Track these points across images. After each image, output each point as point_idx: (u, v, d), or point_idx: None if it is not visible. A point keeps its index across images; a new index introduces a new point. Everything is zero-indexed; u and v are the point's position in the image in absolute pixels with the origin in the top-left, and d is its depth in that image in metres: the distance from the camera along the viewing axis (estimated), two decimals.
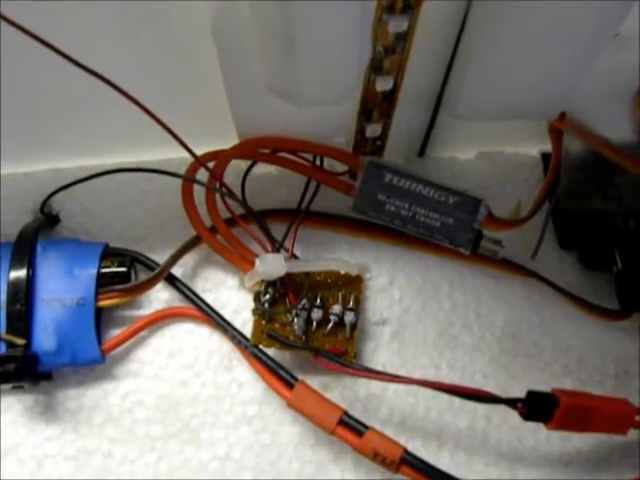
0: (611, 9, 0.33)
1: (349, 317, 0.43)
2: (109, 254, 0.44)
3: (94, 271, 0.42)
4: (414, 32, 0.35)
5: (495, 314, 0.46)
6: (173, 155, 0.47)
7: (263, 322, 0.42)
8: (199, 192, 0.43)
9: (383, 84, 0.39)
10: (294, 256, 0.44)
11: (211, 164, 0.43)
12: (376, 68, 0.37)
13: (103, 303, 0.42)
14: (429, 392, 0.42)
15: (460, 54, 0.38)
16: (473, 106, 0.40)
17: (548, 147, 0.46)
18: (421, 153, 0.50)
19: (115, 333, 0.44)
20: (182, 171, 0.43)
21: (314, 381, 0.42)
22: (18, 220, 0.46)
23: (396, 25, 0.34)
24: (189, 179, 0.42)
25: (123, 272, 0.43)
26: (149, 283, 0.42)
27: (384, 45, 0.36)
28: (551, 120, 0.43)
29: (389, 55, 0.36)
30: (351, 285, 0.44)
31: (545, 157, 0.50)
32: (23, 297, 0.41)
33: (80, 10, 0.34)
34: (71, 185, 0.43)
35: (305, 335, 0.42)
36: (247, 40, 0.34)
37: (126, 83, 0.31)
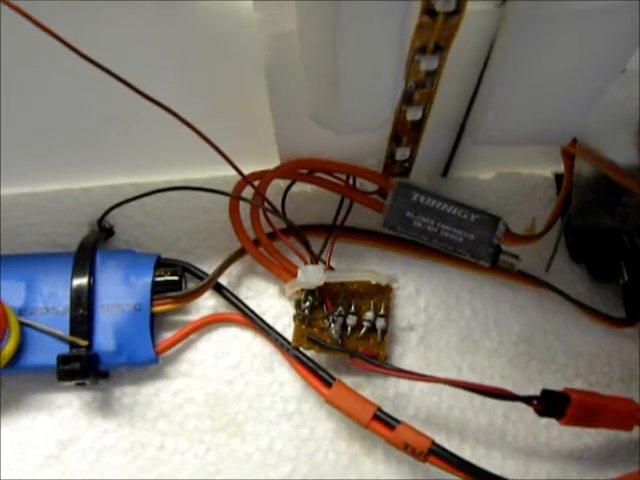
0: (618, 49, 0.36)
1: (380, 323, 0.46)
2: (161, 264, 0.47)
3: (149, 279, 0.45)
4: (443, 69, 0.38)
5: (512, 321, 0.49)
6: (218, 174, 0.50)
7: (303, 327, 0.45)
8: (243, 207, 0.46)
9: (413, 114, 0.41)
10: (330, 267, 0.47)
11: (255, 183, 0.46)
12: (407, 100, 0.40)
13: (157, 309, 0.45)
14: (452, 392, 0.45)
15: (482, 88, 0.41)
16: (493, 133, 0.43)
17: (561, 169, 0.48)
18: (444, 173, 0.52)
19: (166, 336, 0.47)
20: (226, 188, 0.46)
21: (347, 381, 0.44)
22: (75, 232, 0.49)
23: (427, 64, 0.37)
24: (237, 197, 0.45)
25: (175, 281, 0.46)
26: (199, 291, 0.46)
27: (415, 80, 0.38)
28: (564, 145, 0.46)
29: (419, 89, 0.39)
30: (381, 294, 0.47)
31: (558, 178, 0.52)
32: (85, 302, 0.44)
33: (140, 41, 0.38)
34: (127, 202, 0.47)
35: (341, 339, 0.45)
36: (295, 75, 0.37)
37: (181, 109, 0.34)
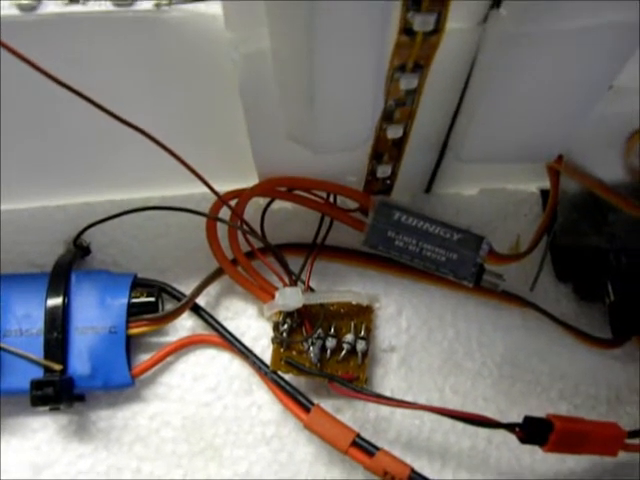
0: (601, 67, 0.35)
1: (360, 345, 0.45)
2: (137, 284, 0.46)
3: (125, 301, 0.44)
4: (423, 88, 0.37)
5: (495, 342, 0.48)
6: (196, 190, 0.49)
7: (281, 350, 0.45)
8: (221, 226, 0.46)
9: (394, 132, 0.41)
10: (310, 288, 0.46)
11: (233, 202, 0.45)
12: (387, 118, 0.39)
13: (133, 331, 0.44)
14: (434, 415, 0.44)
15: (465, 106, 0.40)
16: (476, 151, 0.42)
17: (547, 184, 0.48)
18: (427, 190, 0.52)
19: (143, 358, 0.46)
20: (204, 205, 0.45)
21: (328, 404, 0.44)
22: (50, 251, 0.48)
23: (407, 82, 0.36)
24: (213, 218, 0.45)
25: (152, 302, 0.45)
26: (176, 313, 0.45)
27: (395, 99, 0.38)
28: (549, 162, 0.45)
29: (399, 107, 0.39)
30: (362, 315, 0.46)
31: (544, 193, 0.52)
32: (60, 325, 0.43)
33: (114, 61, 0.37)
34: (103, 221, 0.46)
35: (320, 362, 0.44)
36: (270, 96, 0.36)
37: (157, 129, 0.33)
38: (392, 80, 0.36)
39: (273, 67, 0.34)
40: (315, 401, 0.44)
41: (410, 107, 0.39)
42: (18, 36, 0.27)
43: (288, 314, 0.45)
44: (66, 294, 0.44)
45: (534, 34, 0.33)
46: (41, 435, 0.45)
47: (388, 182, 0.47)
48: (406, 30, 0.32)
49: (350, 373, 0.45)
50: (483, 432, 0.45)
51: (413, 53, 0.34)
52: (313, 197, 0.48)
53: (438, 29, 0.32)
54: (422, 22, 0.32)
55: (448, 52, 0.35)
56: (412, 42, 0.33)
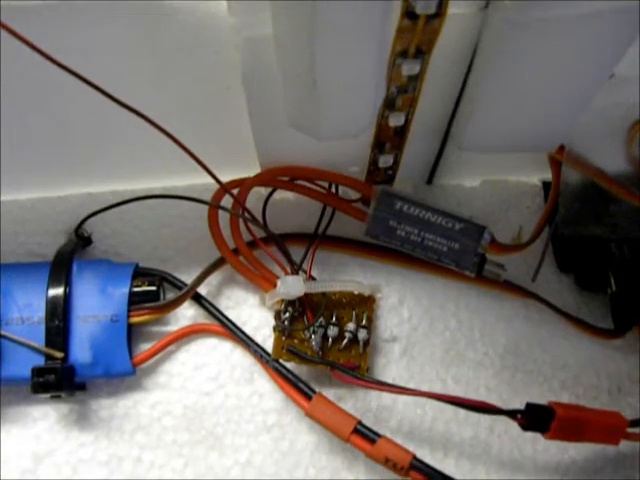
0: (604, 55, 0.35)
1: (362, 334, 0.45)
2: (139, 274, 0.46)
3: (126, 290, 0.44)
4: (425, 74, 0.37)
5: (497, 332, 0.48)
6: (198, 181, 0.49)
7: (283, 338, 0.44)
8: (223, 215, 0.46)
9: (395, 120, 0.41)
10: (312, 277, 0.46)
11: (234, 190, 0.45)
12: (389, 105, 0.39)
13: (134, 320, 0.44)
14: (436, 404, 0.43)
15: (467, 93, 0.40)
16: (478, 140, 0.42)
17: (549, 176, 0.48)
18: (429, 181, 0.52)
19: (144, 347, 0.46)
20: (206, 196, 0.45)
21: (329, 393, 0.44)
22: (53, 241, 0.48)
23: (409, 68, 0.36)
24: (215, 206, 0.44)
25: (153, 291, 0.45)
26: (177, 302, 0.45)
27: (397, 85, 0.38)
28: (551, 152, 0.45)
29: (401, 94, 0.39)
30: (364, 304, 0.46)
31: (546, 185, 0.52)
32: (61, 313, 0.43)
33: (118, 49, 0.37)
34: (104, 210, 0.46)
35: (322, 350, 0.44)
36: (273, 82, 0.36)
37: (159, 117, 0.33)
38: (394, 66, 0.36)
39: (275, 53, 0.34)
40: (317, 389, 0.44)
41: (412, 94, 0.39)
42: (22, 22, 0.27)
43: (290, 303, 0.45)
44: (67, 283, 0.44)
45: (535, 21, 0.33)
46: (42, 424, 0.45)
47: (390, 172, 0.47)
48: (408, 14, 0.32)
49: (352, 361, 0.44)
50: (485, 421, 0.45)
51: (415, 38, 0.34)
52: (315, 187, 0.48)
53: (440, 13, 0.32)
54: (424, 5, 0.32)
55: (450, 38, 0.35)
56: (414, 26, 0.33)
